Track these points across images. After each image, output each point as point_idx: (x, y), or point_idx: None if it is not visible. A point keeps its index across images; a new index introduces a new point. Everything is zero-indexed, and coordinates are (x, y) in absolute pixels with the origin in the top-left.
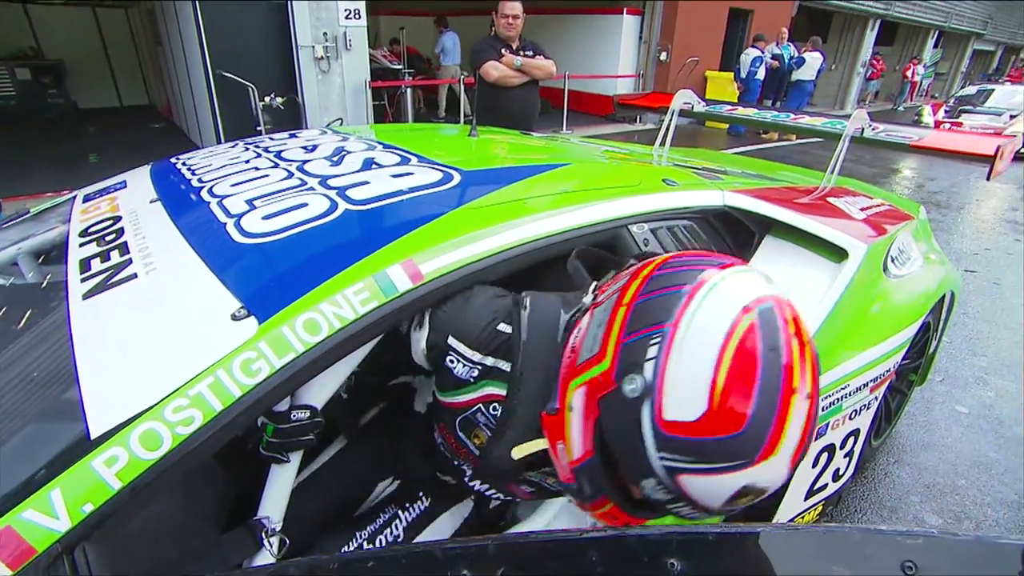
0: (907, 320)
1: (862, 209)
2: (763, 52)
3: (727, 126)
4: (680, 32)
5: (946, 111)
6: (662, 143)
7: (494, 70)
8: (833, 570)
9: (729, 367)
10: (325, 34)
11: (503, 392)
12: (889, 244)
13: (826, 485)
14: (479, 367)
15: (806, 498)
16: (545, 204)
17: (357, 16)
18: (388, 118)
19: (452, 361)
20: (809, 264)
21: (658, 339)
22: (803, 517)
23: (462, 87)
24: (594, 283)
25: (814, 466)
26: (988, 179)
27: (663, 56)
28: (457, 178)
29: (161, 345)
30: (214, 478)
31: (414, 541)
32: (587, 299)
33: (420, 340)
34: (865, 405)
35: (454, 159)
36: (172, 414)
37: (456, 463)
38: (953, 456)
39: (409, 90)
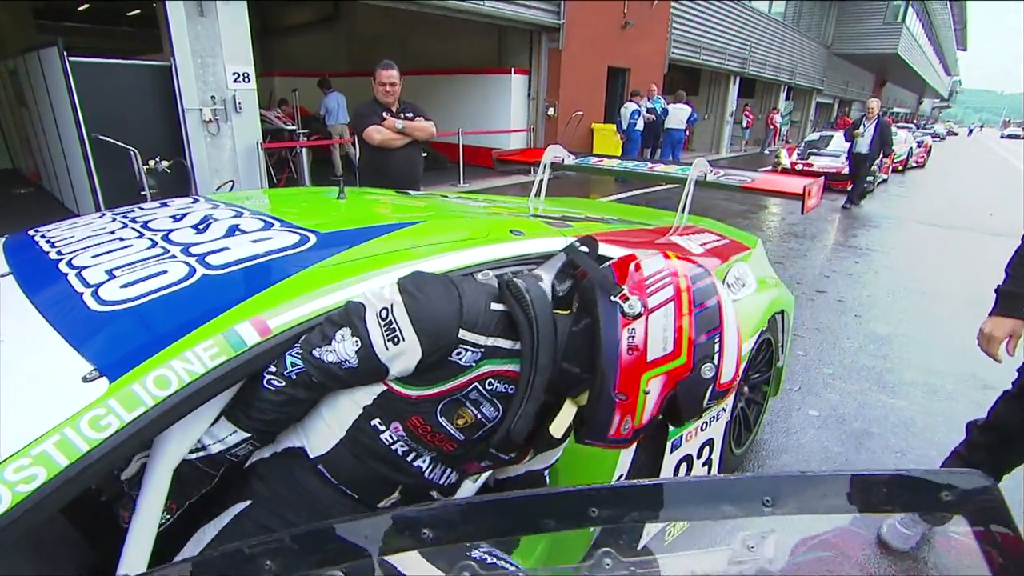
0: (743, 337)
1: (702, 244)
2: (640, 105)
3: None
4: (565, 89)
5: (799, 154)
6: (536, 194)
7: (377, 134)
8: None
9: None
10: (213, 97)
11: (501, 367)
12: (725, 272)
13: None
14: (483, 349)
15: None
16: (393, 259)
17: (247, 79)
18: (285, 178)
19: (459, 353)
20: None
21: (717, 338)
22: (674, 524)
23: (358, 148)
24: (621, 289)
25: (675, 475)
26: (802, 213)
27: (551, 111)
28: (313, 240)
29: (6, 411)
30: (71, 548)
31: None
32: (630, 309)
33: (409, 358)
34: (715, 416)
35: (315, 222)
36: (12, 474)
37: (412, 458)
38: (806, 454)
39: (305, 151)
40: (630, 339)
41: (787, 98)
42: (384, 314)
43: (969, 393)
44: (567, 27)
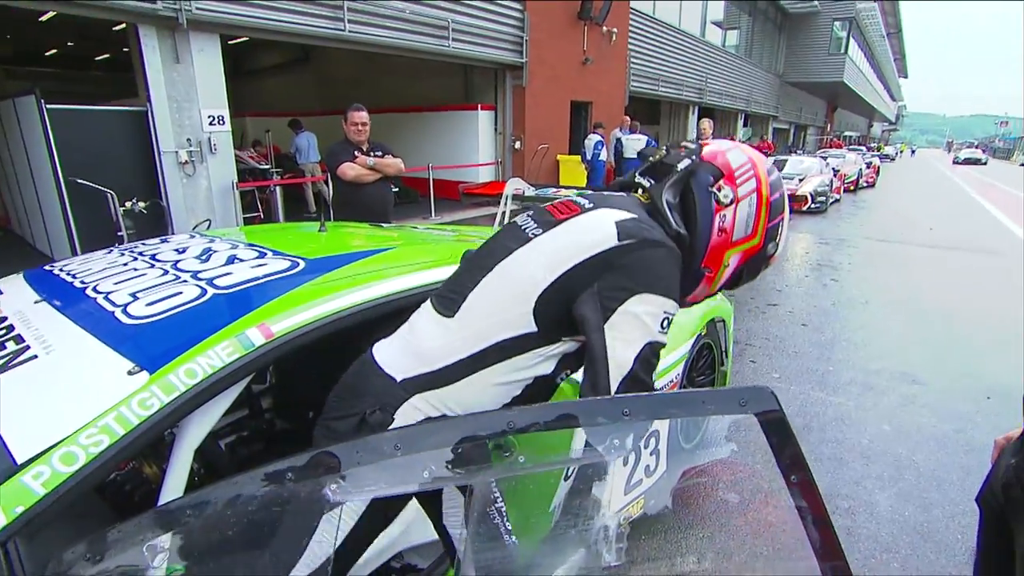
0: (681, 340)
1: None
2: (603, 137)
3: None
4: (530, 123)
5: None
6: (500, 223)
7: (350, 170)
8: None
9: None
10: (189, 140)
11: None
12: None
13: (641, 480)
14: None
15: (625, 493)
16: (371, 278)
17: (221, 122)
18: (259, 217)
19: None
20: None
21: (781, 223)
22: (630, 509)
23: (330, 185)
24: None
25: (624, 465)
26: None
27: (517, 145)
28: (302, 264)
29: (69, 398)
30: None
31: None
32: (724, 198)
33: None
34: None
35: (302, 251)
36: (85, 439)
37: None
38: (752, 450)
39: (279, 189)
40: (721, 223)
41: (745, 125)
42: (665, 323)
43: (899, 388)
44: (530, 65)
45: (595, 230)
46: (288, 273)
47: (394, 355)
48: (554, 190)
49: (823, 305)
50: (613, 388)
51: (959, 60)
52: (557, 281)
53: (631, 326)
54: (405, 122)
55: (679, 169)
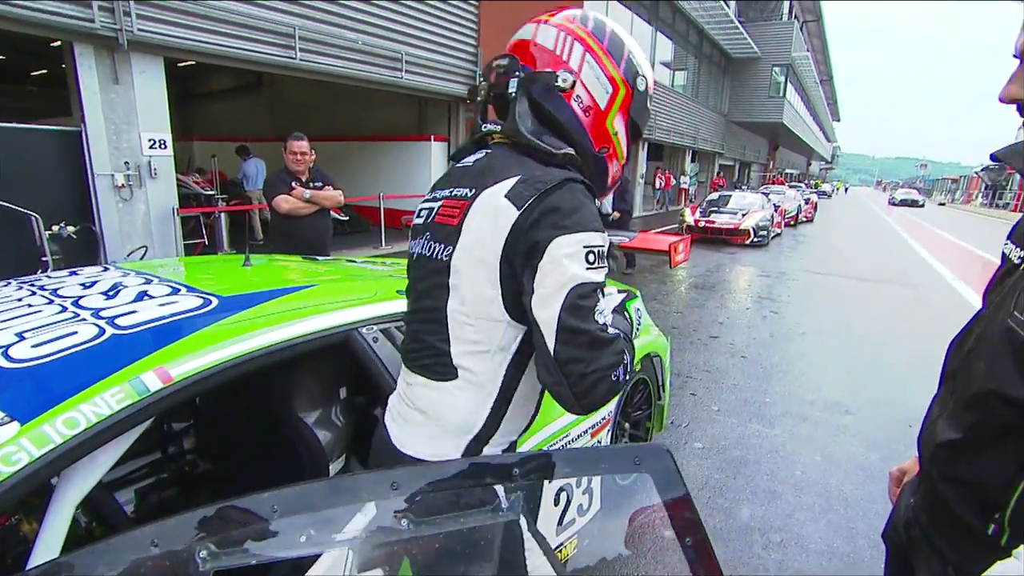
0: None
1: None
2: None
3: None
4: None
5: (701, 212)
6: None
7: (285, 203)
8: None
9: None
10: (127, 163)
11: None
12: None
13: (574, 520)
14: None
15: (557, 533)
16: (285, 317)
17: (163, 146)
18: (203, 244)
19: None
20: None
21: (631, 56)
22: (561, 551)
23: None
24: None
25: (556, 504)
26: (671, 267)
27: None
28: (215, 303)
29: None
30: None
31: None
32: (563, 82)
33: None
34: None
35: (219, 288)
36: None
37: None
38: (690, 483)
39: (224, 216)
40: (580, 105)
41: (692, 160)
42: (591, 257)
43: (831, 418)
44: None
45: (492, 216)
46: (199, 312)
47: (426, 441)
48: None
49: (762, 337)
50: (551, 351)
51: (885, 107)
52: (503, 286)
53: (549, 280)
54: (358, 151)
55: (512, 93)
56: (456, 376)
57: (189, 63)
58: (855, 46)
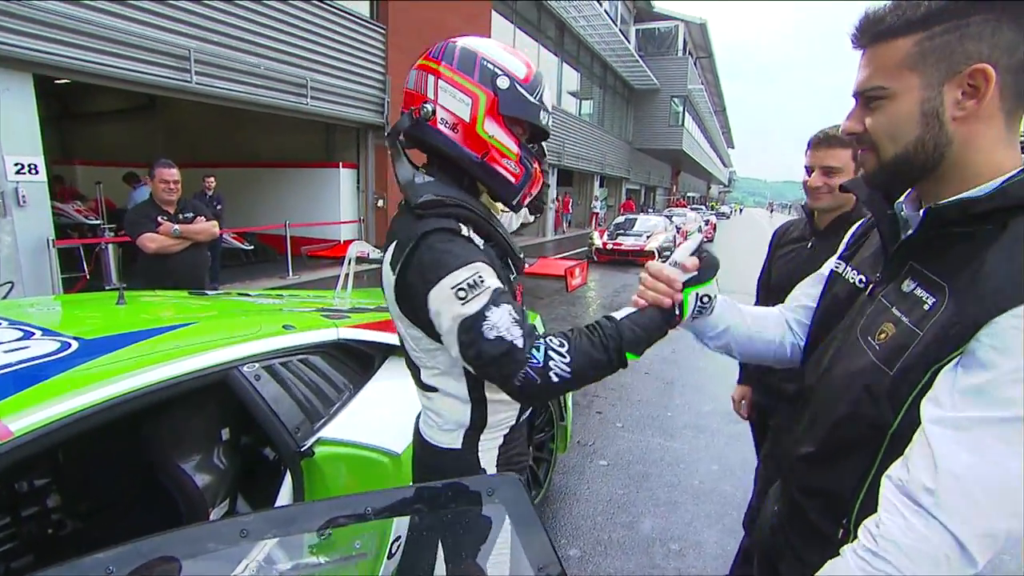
0: None
1: None
2: None
3: None
4: (393, 181)
5: (608, 235)
6: (343, 287)
7: (151, 242)
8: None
9: None
10: None
11: None
12: None
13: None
14: None
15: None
16: (153, 360)
17: (34, 171)
18: (85, 278)
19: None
20: None
21: (483, 60)
22: None
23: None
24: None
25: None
26: (567, 291)
27: (380, 203)
28: (75, 346)
29: None
30: None
31: None
32: (425, 114)
33: None
34: None
35: (84, 328)
36: None
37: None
38: (596, 499)
39: (111, 247)
40: (448, 127)
41: (601, 185)
42: (462, 291)
43: (726, 428)
44: (392, 125)
45: (386, 280)
46: (53, 357)
47: (441, 432)
48: None
49: (664, 353)
50: (475, 373)
51: (772, 135)
52: (421, 328)
53: (443, 327)
54: (263, 177)
55: (392, 151)
56: (437, 390)
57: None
58: (744, 80)
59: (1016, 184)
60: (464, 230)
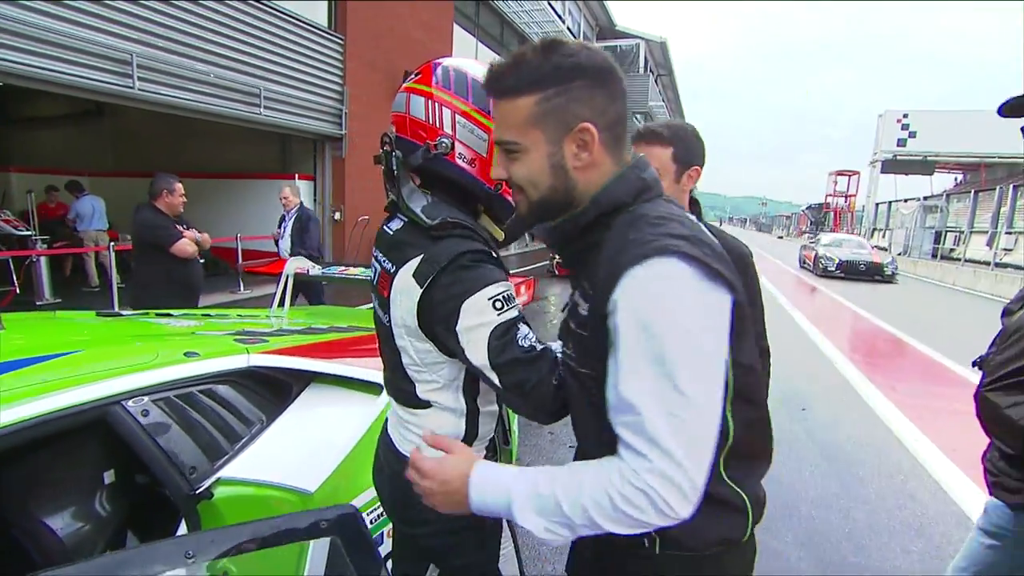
0: None
1: None
2: None
3: None
4: (350, 194)
5: None
6: (279, 305)
7: (189, 246)
8: None
9: None
10: None
11: None
12: None
13: None
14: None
15: None
16: (12, 397)
17: None
18: (14, 292)
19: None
20: (350, 401)
21: (461, 77)
22: None
23: (112, 255)
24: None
25: None
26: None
27: (337, 216)
28: None
29: None
30: None
31: None
32: (444, 148)
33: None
34: None
35: None
36: None
37: None
38: None
39: (43, 260)
40: (466, 161)
41: None
42: (498, 304)
43: None
44: (350, 137)
45: (407, 292)
46: None
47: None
48: (341, 269)
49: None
50: (499, 386)
51: (731, 152)
52: (434, 341)
53: (472, 333)
54: (215, 188)
55: (395, 171)
56: (430, 406)
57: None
58: (702, 99)
59: (601, 193)
60: (492, 253)
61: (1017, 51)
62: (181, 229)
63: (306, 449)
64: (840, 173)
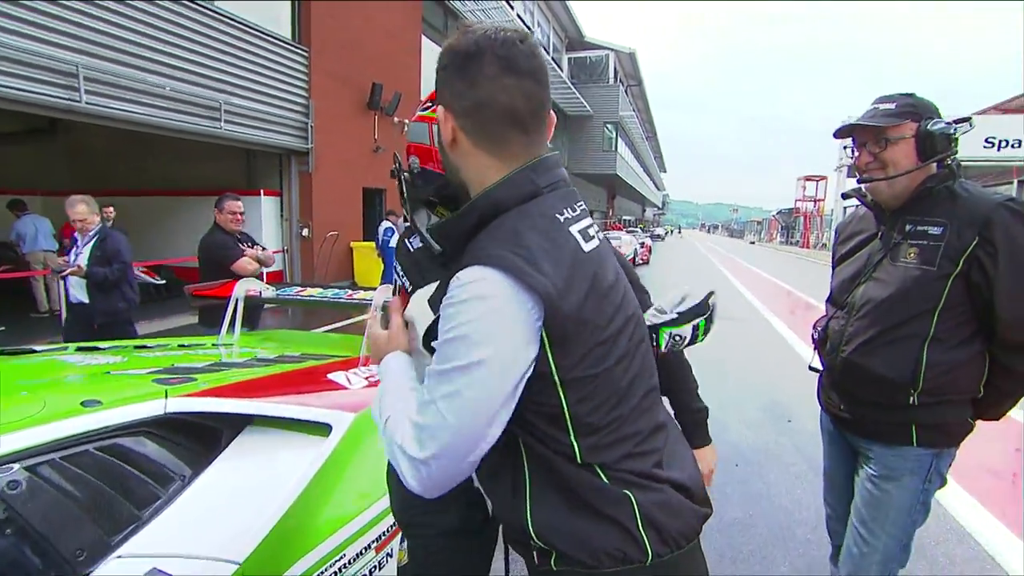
0: None
1: (366, 377)
2: (394, 224)
3: None
4: (318, 210)
5: None
6: (228, 332)
7: (250, 264)
8: None
9: None
10: None
11: None
12: None
13: None
14: None
15: None
16: None
17: None
18: None
19: None
20: (292, 446)
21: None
22: None
23: (60, 283)
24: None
25: None
26: None
27: (305, 232)
28: None
29: None
30: None
31: None
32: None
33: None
34: (376, 565)
35: None
36: None
37: None
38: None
39: None
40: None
41: None
42: None
43: None
44: (316, 151)
45: (423, 315)
46: None
47: None
48: (297, 290)
49: None
50: None
51: (702, 160)
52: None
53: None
54: (176, 206)
55: (403, 198)
56: None
57: None
58: (673, 109)
59: (478, 198)
60: None
61: (967, 61)
62: (244, 247)
63: (236, 507)
64: (808, 178)
